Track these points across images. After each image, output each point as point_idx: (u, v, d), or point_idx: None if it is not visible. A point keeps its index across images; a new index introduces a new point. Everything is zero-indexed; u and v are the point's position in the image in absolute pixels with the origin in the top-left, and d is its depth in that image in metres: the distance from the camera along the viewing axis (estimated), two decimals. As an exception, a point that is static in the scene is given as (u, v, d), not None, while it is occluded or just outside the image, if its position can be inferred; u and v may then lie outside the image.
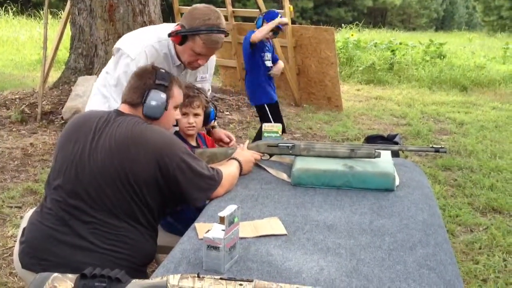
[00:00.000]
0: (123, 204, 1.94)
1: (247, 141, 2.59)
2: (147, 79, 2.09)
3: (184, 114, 2.57)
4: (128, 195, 1.94)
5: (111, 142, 1.96)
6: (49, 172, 2.09)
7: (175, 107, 2.20)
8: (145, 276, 2.01)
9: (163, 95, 2.08)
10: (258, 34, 4.61)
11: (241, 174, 2.37)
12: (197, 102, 2.60)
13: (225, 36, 2.57)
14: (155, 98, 2.06)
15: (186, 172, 2.00)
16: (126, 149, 1.95)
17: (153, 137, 1.98)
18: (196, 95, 2.61)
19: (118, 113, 2.09)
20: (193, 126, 2.62)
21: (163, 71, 2.14)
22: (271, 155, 2.57)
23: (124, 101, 2.12)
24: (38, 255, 1.94)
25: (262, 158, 2.56)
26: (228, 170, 2.25)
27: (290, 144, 2.48)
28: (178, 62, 2.64)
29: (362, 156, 2.37)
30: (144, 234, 2.01)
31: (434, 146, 2.44)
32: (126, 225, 1.95)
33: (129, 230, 1.96)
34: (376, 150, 2.38)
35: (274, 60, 4.98)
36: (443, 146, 2.41)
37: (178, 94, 2.19)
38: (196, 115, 2.62)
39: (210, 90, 3.15)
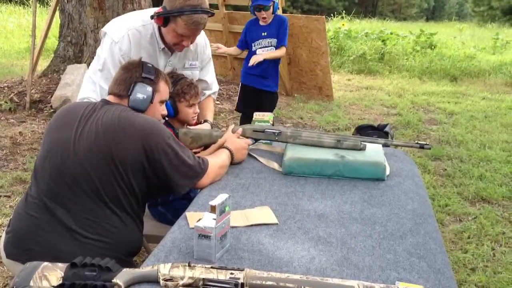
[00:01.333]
0: (108, 188, 1.93)
1: (232, 125, 2.58)
2: (133, 72, 2.11)
3: (192, 105, 2.58)
4: (114, 178, 1.93)
5: (97, 127, 1.97)
6: (35, 161, 2.08)
7: (161, 102, 2.20)
8: (133, 266, 2.01)
9: (149, 88, 2.10)
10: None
11: (233, 162, 2.36)
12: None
13: (209, 16, 2.49)
14: (141, 91, 2.08)
15: (171, 157, 1.99)
16: (112, 132, 1.95)
17: (140, 122, 1.99)
18: (197, 85, 2.66)
19: (105, 102, 2.10)
20: (196, 114, 2.68)
21: (150, 65, 2.16)
22: (256, 140, 2.57)
23: (110, 93, 2.14)
24: (23, 245, 1.93)
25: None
26: (216, 160, 2.23)
27: (277, 131, 2.48)
28: (163, 46, 2.62)
29: (348, 148, 2.38)
30: (129, 223, 2.00)
31: (419, 142, 2.44)
32: (111, 213, 1.94)
33: (113, 219, 1.95)
34: (362, 143, 2.38)
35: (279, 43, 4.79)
36: (428, 143, 2.43)
37: (164, 89, 2.20)
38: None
39: (215, 83, 3.11)
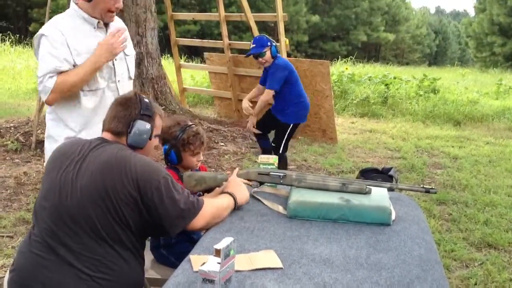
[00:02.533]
0: (106, 226, 1.92)
1: (237, 169, 2.58)
2: (132, 109, 2.11)
3: (197, 153, 2.59)
4: (110, 215, 1.92)
5: (95, 165, 1.97)
6: (35, 202, 2.08)
7: (156, 136, 2.23)
8: None
9: (148, 126, 2.11)
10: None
11: (238, 204, 2.33)
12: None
13: None
14: (141, 128, 2.09)
15: (164, 197, 1.97)
16: (109, 170, 1.95)
17: (136, 160, 1.99)
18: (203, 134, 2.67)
19: (102, 140, 2.10)
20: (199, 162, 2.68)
21: (147, 101, 2.17)
22: (261, 183, 2.56)
23: (107, 129, 2.14)
24: (26, 283, 1.91)
25: (252, 186, 2.55)
26: (216, 202, 2.21)
27: (282, 174, 2.47)
28: (96, 21, 2.72)
29: (353, 191, 2.37)
30: (130, 260, 1.99)
31: (425, 186, 2.43)
32: (112, 250, 1.93)
33: (114, 256, 1.94)
34: (367, 186, 2.37)
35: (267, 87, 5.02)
36: (433, 187, 2.42)
37: (159, 124, 2.23)
38: None
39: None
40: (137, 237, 2.03)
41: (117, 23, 2.88)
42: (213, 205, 2.17)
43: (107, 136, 2.13)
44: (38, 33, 2.69)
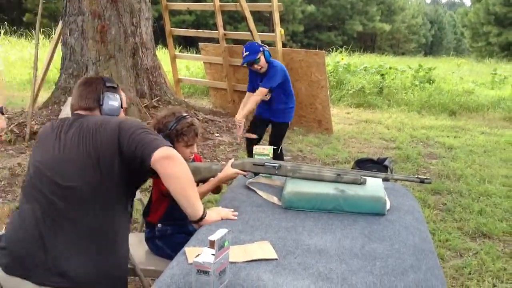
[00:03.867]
0: (95, 190, 1.94)
1: (232, 159, 2.57)
2: (96, 85, 2.19)
3: (190, 145, 2.57)
4: (99, 176, 1.95)
5: (80, 132, 2.03)
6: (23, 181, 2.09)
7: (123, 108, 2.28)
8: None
9: (117, 95, 2.21)
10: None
11: (199, 220, 2.14)
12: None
13: None
14: (112, 98, 2.18)
15: (141, 130, 2.02)
16: (94, 131, 2.02)
17: (115, 117, 2.12)
18: (197, 126, 2.64)
19: (77, 115, 2.14)
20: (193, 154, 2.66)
21: (108, 76, 2.29)
22: (256, 174, 2.56)
23: (77, 109, 2.18)
24: (19, 258, 1.91)
25: (247, 176, 2.54)
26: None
27: (277, 164, 2.47)
28: None
29: (348, 182, 2.37)
30: (121, 221, 2.03)
31: (420, 176, 2.43)
32: (104, 213, 1.96)
33: (106, 221, 1.97)
34: (362, 177, 2.37)
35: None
36: (428, 178, 2.42)
37: (123, 96, 2.31)
38: None
39: None
40: (125, 189, 2.04)
41: None
42: (188, 170, 2.07)
43: (80, 113, 2.17)
44: None
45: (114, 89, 2.22)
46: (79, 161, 1.97)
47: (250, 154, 5.05)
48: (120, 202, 2.03)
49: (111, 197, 1.98)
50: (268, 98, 4.87)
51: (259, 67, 4.74)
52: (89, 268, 1.90)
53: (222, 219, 2.18)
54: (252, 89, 4.97)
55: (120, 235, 2.03)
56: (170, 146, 2.01)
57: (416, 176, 2.46)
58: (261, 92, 4.82)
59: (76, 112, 2.17)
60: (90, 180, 1.95)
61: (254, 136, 5.04)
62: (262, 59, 4.72)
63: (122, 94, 2.29)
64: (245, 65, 4.85)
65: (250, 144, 5.08)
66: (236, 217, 2.20)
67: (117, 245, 2.01)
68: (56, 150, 2.03)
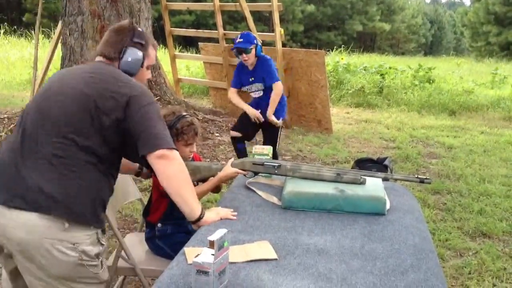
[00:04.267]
0: (84, 134, 1.93)
1: (232, 159, 2.57)
2: (124, 36, 2.15)
3: (190, 144, 2.57)
4: (92, 122, 1.93)
5: (92, 73, 2.04)
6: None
7: (148, 67, 2.24)
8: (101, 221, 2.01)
9: (140, 53, 2.15)
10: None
11: (198, 220, 2.13)
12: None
13: None
14: (132, 55, 2.14)
15: (146, 115, 1.98)
16: (100, 76, 2.02)
17: (130, 79, 2.07)
18: (197, 125, 2.63)
19: (98, 62, 2.16)
20: (192, 153, 2.64)
21: (140, 29, 2.20)
22: (256, 173, 2.55)
23: (100, 54, 2.17)
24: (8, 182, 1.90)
25: (246, 176, 2.54)
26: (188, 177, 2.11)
27: (276, 164, 2.47)
28: None
29: (348, 182, 2.37)
30: (101, 176, 1.99)
31: (419, 176, 2.43)
32: (85, 158, 1.93)
33: (88, 167, 1.94)
34: (362, 177, 2.37)
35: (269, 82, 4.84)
36: (428, 177, 2.42)
37: (152, 54, 2.25)
38: None
39: None
40: (111, 151, 2.00)
41: None
42: (185, 170, 2.08)
43: (101, 60, 2.16)
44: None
45: (140, 46, 2.16)
46: (75, 98, 1.96)
47: (238, 152, 5.05)
48: (97, 155, 1.96)
49: (92, 144, 1.94)
50: (261, 94, 4.86)
51: (247, 58, 4.69)
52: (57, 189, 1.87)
53: (221, 219, 2.18)
54: (240, 85, 4.93)
55: (89, 184, 1.95)
56: (173, 148, 2.01)
57: (416, 176, 2.46)
58: (279, 86, 4.83)
59: (98, 56, 2.17)
60: (77, 120, 1.93)
61: (238, 134, 5.00)
62: (253, 52, 4.70)
63: (152, 52, 2.23)
64: (233, 51, 4.80)
65: (236, 141, 5.07)
66: (235, 217, 2.20)
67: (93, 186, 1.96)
68: (63, 80, 2.06)
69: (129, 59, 2.13)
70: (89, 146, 1.93)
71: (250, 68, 4.80)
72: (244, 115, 5.01)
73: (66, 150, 1.91)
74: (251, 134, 5.12)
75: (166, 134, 2.03)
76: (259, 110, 4.83)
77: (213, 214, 2.18)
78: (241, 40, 4.71)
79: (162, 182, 2.00)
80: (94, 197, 1.96)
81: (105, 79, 2.02)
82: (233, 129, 5.10)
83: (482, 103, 11.02)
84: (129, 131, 1.98)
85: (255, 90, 4.88)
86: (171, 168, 1.99)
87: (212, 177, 2.54)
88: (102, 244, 1.99)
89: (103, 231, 2.04)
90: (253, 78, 4.82)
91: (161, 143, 1.98)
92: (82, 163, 1.93)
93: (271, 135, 4.96)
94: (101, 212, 2.02)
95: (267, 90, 4.82)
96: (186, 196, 2.06)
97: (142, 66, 2.17)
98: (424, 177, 2.43)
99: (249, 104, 4.92)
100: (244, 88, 4.89)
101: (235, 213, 2.23)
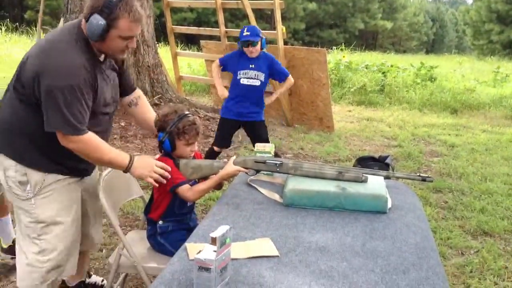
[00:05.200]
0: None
1: (233, 157, 2.57)
2: (97, 2, 2.16)
3: (191, 143, 2.56)
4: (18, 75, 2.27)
5: (46, 38, 2.30)
6: None
7: (122, 38, 2.21)
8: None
9: (102, 22, 2.14)
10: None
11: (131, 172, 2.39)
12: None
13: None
14: (93, 22, 2.14)
15: (50, 102, 2.13)
16: (38, 44, 2.24)
17: (57, 54, 2.16)
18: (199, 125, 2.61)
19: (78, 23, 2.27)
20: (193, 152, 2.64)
21: (115, 0, 2.14)
22: (258, 171, 2.55)
23: (84, 10, 2.23)
24: None
25: (248, 173, 2.54)
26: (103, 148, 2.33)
27: (278, 162, 2.47)
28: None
29: (350, 180, 2.37)
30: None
31: (421, 174, 2.43)
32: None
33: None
34: (364, 175, 2.37)
35: (283, 76, 5.01)
36: (429, 176, 2.42)
37: (126, 27, 2.18)
38: None
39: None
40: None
41: None
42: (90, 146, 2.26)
43: (81, 18, 2.24)
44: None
45: (107, 15, 2.11)
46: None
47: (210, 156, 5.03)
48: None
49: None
50: (257, 84, 4.85)
51: (253, 51, 4.76)
52: None
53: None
54: (231, 68, 4.94)
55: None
56: (74, 134, 2.18)
57: (417, 174, 2.45)
58: (292, 80, 5.08)
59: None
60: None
61: (219, 150, 5.06)
62: (259, 44, 4.78)
63: (124, 23, 2.15)
64: (239, 43, 4.84)
65: (214, 155, 5.04)
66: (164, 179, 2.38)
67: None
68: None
69: (90, 25, 2.14)
70: (19, 90, 2.24)
71: (253, 55, 4.83)
72: (221, 127, 5.07)
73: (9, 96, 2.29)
74: (230, 142, 5.27)
75: (69, 119, 2.14)
76: (246, 104, 4.85)
77: (145, 171, 2.37)
78: (248, 33, 4.78)
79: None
80: (12, 129, 2.27)
81: (38, 44, 2.23)
82: (218, 145, 5.08)
83: (484, 101, 11.02)
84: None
85: (252, 77, 4.83)
86: (78, 150, 2.23)
87: (214, 175, 2.54)
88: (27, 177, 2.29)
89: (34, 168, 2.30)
90: (253, 66, 4.83)
91: (60, 127, 2.16)
92: (12, 101, 2.26)
93: (263, 132, 4.95)
94: (21, 144, 2.28)
95: (265, 83, 4.88)
96: (106, 160, 2.32)
97: (106, 34, 2.15)
98: (426, 175, 2.43)
99: (235, 92, 4.88)
100: (240, 73, 4.85)
101: (167, 175, 2.39)
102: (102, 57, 2.31)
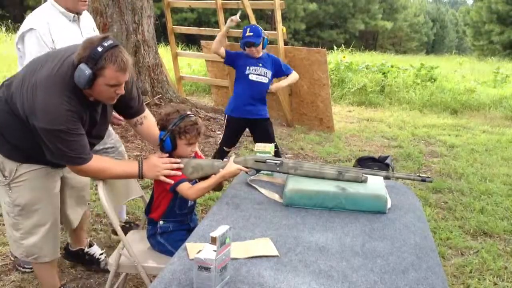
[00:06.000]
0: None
1: (233, 156, 2.58)
2: (86, 51, 2.20)
3: (192, 143, 2.57)
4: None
5: (48, 60, 2.35)
6: None
7: (109, 85, 2.25)
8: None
9: (87, 72, 2.18)
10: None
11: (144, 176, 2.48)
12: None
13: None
14: (80, 71, 2.19)
15: (49, 140, 2.25)
16: (26, 84, 2.29)
17: (41, 96, 2.22)
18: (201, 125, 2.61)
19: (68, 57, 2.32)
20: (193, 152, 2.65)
21: (100, 50, 2.17)
22: (258, 171, 2.56)
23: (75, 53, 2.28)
24: None
25: (249, 173, 2.55)
26: (105, 164, 2.46)
27: (278, 161, 2.47)
28: (72, 15, 3.01)
29: (350, 180, 2.37)
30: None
31: (421, 175, 2.43)
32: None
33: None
34: (364, 175, 2.38)
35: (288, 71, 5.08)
36: (429, 176, 2.43)
37: (112, 76, 2.22)
38: None
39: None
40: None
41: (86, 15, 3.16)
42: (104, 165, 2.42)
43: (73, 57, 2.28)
44: (25, 27, 2.88)
45: (93, 64, 2.15)
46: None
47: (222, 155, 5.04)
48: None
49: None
50: (265, 81, 4.85)
51: (256, 51, 4.77)
52: None
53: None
54: (241, 63, 4.92)
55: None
56: (79, 164, 2.32)
57: (417, 174, 2.46)
58: (297, 74, 5.20)
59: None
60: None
61: (229, 149, 5.05)
62: (261, 45, 4.81)
63: (110, 72, 2.19)
64: (241, 43, 4.83)
65: (224, 155, 5.02)
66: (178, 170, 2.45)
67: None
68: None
69: (77, 74, 2.20)
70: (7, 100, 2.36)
71: (256, 56, 4.85)
72: (229, 126, 5.01)
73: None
74: (237, 141, 5.27)
75: (71, 155, 2.28)
76: (251, 97, 4.84)
77: (155, 171, 2.45)
78: (251, 34, 4.77)
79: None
80: None
81: (30, 90, 2.26)
82: (226, 145, 5.06)
83: (484, 102, 11.01)
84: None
85: (261, 74, 4.84)
86: (89, 176, 2.52)
87: (214, 174, 2.54)
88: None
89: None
90: (261, 64, 4.87)
91: (65, 162, 2.33)
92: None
93: (269, 131, 4.93)
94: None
95: (270, 82, 4.89)
96: (118, 175, 2.49)
97: (93, 83, 2.20)
98: (426, 175, 2.43)
99: (243, 87, 4.88)
100: (250, 69, 4.84)
101: (176, 166, 2.46)
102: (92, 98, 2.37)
